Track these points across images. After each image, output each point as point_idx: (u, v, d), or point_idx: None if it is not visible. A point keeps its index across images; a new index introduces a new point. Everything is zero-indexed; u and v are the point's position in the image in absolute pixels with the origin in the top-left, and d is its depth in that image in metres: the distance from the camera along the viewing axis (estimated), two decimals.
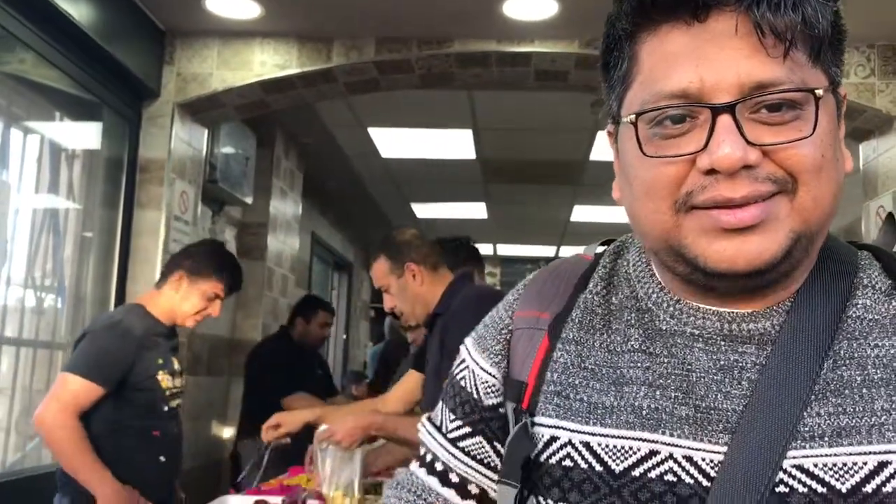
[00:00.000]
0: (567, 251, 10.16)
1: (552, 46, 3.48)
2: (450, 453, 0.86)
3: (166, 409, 2.68)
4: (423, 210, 7.87)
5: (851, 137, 3.57)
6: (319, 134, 5.38)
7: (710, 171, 0.66)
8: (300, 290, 5.94)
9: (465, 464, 0.85)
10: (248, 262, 4.81)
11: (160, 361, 2.66)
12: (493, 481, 0.83)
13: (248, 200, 4.62)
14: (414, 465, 0.91)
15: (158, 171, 3.49)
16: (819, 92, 0.66)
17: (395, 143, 5.60)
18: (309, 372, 4.39)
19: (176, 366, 2.76)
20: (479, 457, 0.85)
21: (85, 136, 3.48)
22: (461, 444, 0.85)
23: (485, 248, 10.24)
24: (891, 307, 0.71)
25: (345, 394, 7.75)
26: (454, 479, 0.86)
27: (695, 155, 0.66)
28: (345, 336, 8.77)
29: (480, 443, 0.85)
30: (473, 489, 0.86)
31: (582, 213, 7.69)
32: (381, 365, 5.98)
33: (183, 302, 2.67)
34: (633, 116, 0.69)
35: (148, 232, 3.45)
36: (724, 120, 0.65)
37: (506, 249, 10.33)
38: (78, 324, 3.30)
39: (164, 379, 2.66)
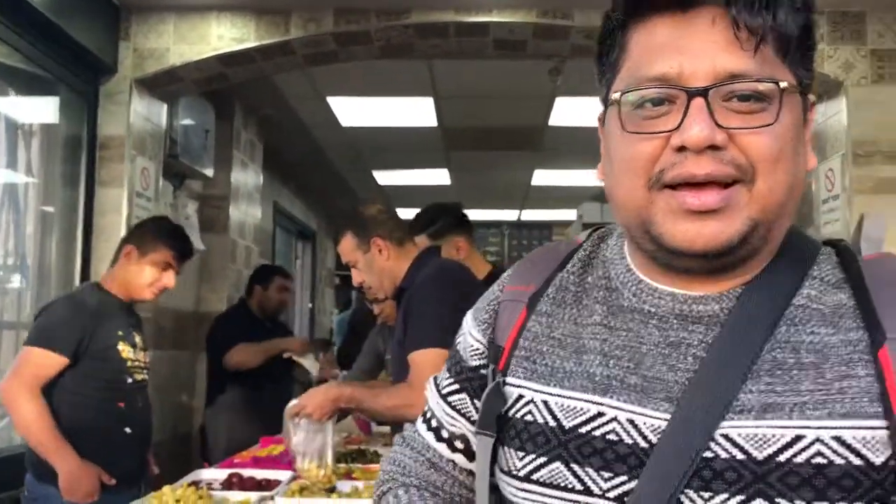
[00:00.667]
0: (529, 214, 10.26)
1: (510, 16, 3.51)
2: (441, 408, 0.98)
3: (130, 381, 2.73)
4: (385, 177, 7.88)
5: None
6: (279, 105, 5.36)
7: (681, 149, 0.73)
8: (264, 261, 5.95)
9: (452, 417, 0.97)
10: (211, 235, 4.82)
11: (119, 333, 2.71)
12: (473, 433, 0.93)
13: (209, 173, 4.61)
14: (419, 422, 1.02)
15: (119, 148, 3.47)
16: (783, 84, 0.74)
17: (355, 111, 5.60)
18: (265, 338, 4.38)
19: (137, 340, 2.80)
20: (462, 410, 0.96)
21: (42, 113, 3.44)
22: (450, 399, 0.97)
23: None
24: (834, 298, 0.78)
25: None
26: (445, 434, 0.98)
27: (669, 133, 0.74)
28: (310, 304, 8.80)
29: (464, 399, 0.96)
30: (459, 444, 0.97)
31: (542, 178, 7.77)
32: (349, 332, 6.02)
33: (137, 275, 2.73)
34: (617, 94, 0.77)
35: (110, 210, 3.44)
36: (698, 102, 0.73)
37: (469, 214, 10.38)
38: (43, 303, 3.30)
39: (124, 349, 2.71)
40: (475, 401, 0.94)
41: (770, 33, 0.74)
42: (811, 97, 0.80)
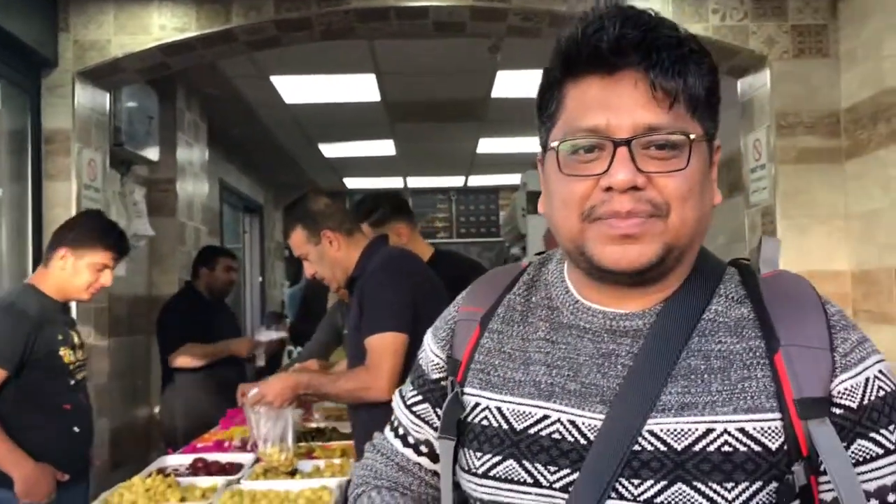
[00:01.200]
0: (475, 180, 10.38)
1: (448, 0, 3.59)
2: (407, 417, 1.11)
3: (73, 382, 2.73)
4: (331, 150, 7.92)
5: (730, 74, 3.83)
6: (221, 85, 5.36)
7: (608, 189, 0.87)
8: (213, 240, 5.98)
9: (417, 425, 1.09)
10: (159, 218, 4.84)
11: (60, 337, 2.69)
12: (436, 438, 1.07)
13: (155, 157, 4.62)
14: (387, 430, 1.15)
15: (64, 142, 3.48)
16: (692, 136, 0.89)
17: (298, 89, 5.63)
18: (219, 322, 4.45)
19: (76, 339, 2.79)
20: (425, 418, 1.09)
21: None
22: (414, 409, 1.10)
23: (395, 182, 10.35)
24: (737, 312, 0.94)
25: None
26: (411, 440, 1.11)
27: (599, 176, 0.88)
28: (260, 278, 8.83)
29: (427, 408, 1.09)
30: (424, 448, 1.10)
31: (488, 146, 7.88)
32: (302, 307, 6.10)
33: (73, 278, 2.68)
34: (556, 143, 0.91)
35: (60, 203, 3.46)
36: (622, 151, 0.87)
37: (416, 182, 10.47)
38: None
39: (66, 354, 2.70)
40: (437, 409, 1.07)
41: (682, 94, 0.88)
42: (716, 142, 0.95)
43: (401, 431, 1.13)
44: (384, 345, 2.32)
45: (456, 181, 10.52)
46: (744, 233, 3.88)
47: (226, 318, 4.63)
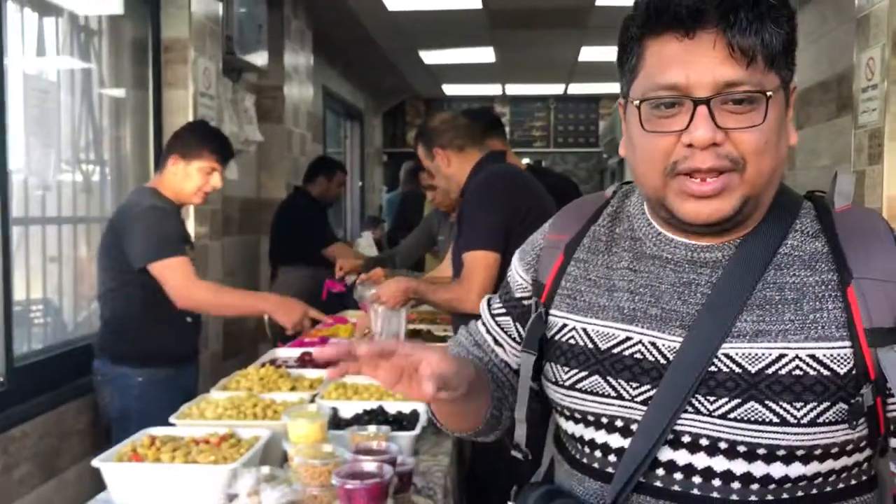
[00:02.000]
0: (575, 88, 10.22)
1: None
2: (491, 321, 1.25)
3: None
4: (431, 57, 7.94)
5: None
6: None
7: (689, 146, 0.94)
8: (317, 146, 6.19)
9: (496, 330, 1.24)
10: (268, 125, 5.05)
11: (185, 235, 2.99)
12: (515, 350, 1.21)
13: (263, 65, 4.77)
14: (479, 324, 1.29)
15: (181, 51, 3.66)
16: (769, 93, 0.94)
17: None
18: (328, 224, 4.86)
19: (191, 238, 3.09)
20: (505, 328, 1.22)
21: (108, 16, 3.61)
22: (498, 318, 1.24)
23: (493, 89, 10.30)
24: (811, 247, 1.01)
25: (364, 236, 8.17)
26: (493, 332, 1.24)
27: (680, 133, 0.95)
28: (360, 182, 9.06)
29: (509, 321, 1.22)
30: (500, 341, 1.24)
31: (590, 54, 7.74)
32: (399, 215, 6.28)
33: (185, 182, 2.88)
34: (637, 102, 0.98)
35: (177, 110, 3.67)
36: (702, 109, 0.93)
37: (514, 89, 10.39)
38: (121, 199, 3.59)
39: (187, 249, 2.96)
40: (517, 323, 1.21)
41: (759, 51, 0.93)
42: (792, 85, 1.00)
43: (483, 327, 1.27)
44: (476, 261, 2.48)
45: (555, 89, 10.38)
46: (849, 154, 3.77)
47: (330, 226, 4.96)
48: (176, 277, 2.77)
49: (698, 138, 0.92)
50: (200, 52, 3.78)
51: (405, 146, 10.55)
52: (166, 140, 3.59)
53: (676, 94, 0.94)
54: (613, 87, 8.97)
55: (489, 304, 1.28)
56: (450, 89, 10.20)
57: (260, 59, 4.64)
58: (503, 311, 1.24)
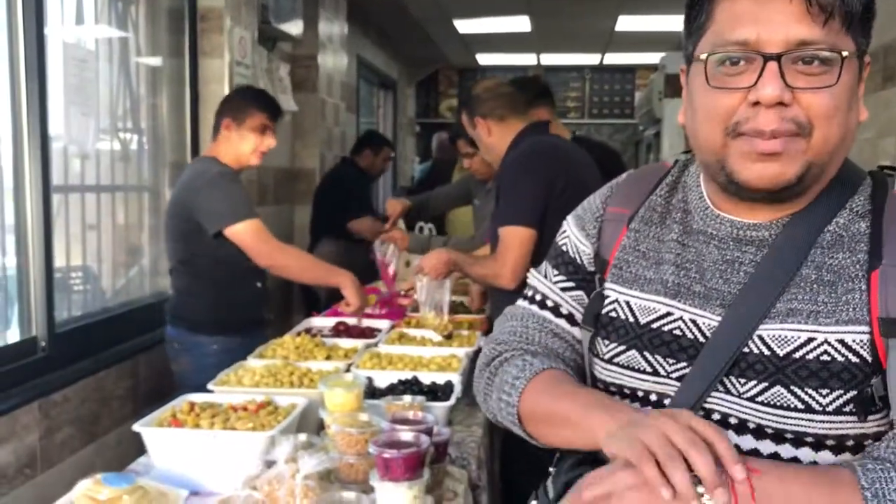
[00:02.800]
0: (611, 58, 10.07)
1: None
2: (558, 295, 1.17)
3: None
4: (465, 25, 7.86)
5: None
6: None
7: (755, 104, 0.90)
8: (350, 115, 6.18)
9: (570, 305, 1.16)
10: (302, 94, 5.04)
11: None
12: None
13: (298, 34, 4.76)
14: (524, 303, 1.22)
15: (217, 20, 3.66)
16: (845, 53, 0.89)
17: None
18: (369, 198, 4.95)
19: None
20: (581, 301, 1.15)
21: None
22: (566, 293, 1.16)
23: (528, 59, 10.19)
24: (856, 227, 0.96)
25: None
26: (564, 311, 1.17)
27: (746, 90, 0.91)
28: (393, 153, 9.03)
29: (581, 295, 1.15)
30: (577, 317, 1.16)
31: (627, 23, 7.61)
32: (427, 182, 6.23)
33: (240, 144, 2.94)
34: (705, 55, 0.94)
35: (214, 79, 3.69)
36: (772, 66, 0.89)
37: (549, 59, 10.26)
38: (159, 167, 3.63)
39: None
40: (589, 295, 1.14)
41: (838, 9, 0.88)
42: (867, 58, 0.95)
43: (549, 304, 1.18)
44: (511, 237, 2.45)
45: (591, 59, 10.23)
46: (894, 127, 3.69)
47: (372, 199, 5.05)
48: (257, 239, 2.83)
49: (766, 96, 0.88)
50: (236, 21, 3.78)
51: (438, 116, 10.50)
52: (202, 109, 3.64)
53: (746, 51, 0.90)
54: (650, 58, 8.84)
55: (544, 276, 1.19)
56: (484, 59, 10.11)
57: (295, 27, 4.63)
58: (572, 284, 1.16)
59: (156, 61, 3.63)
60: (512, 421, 1.10)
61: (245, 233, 2.81)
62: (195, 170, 2.93)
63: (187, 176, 2.93)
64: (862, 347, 0.91)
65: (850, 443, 0.92)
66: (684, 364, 0.99)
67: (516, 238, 2.44)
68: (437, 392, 2.09)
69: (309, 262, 3.03)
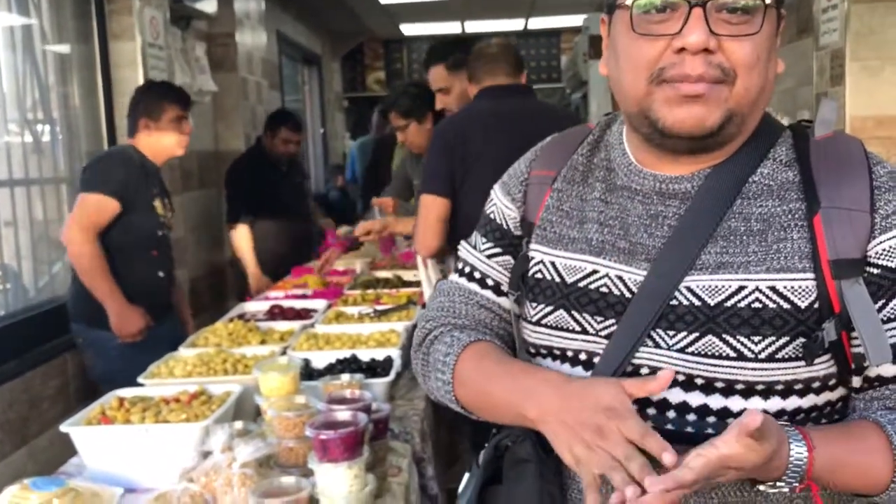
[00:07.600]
0: (535, 23, 10.07)
1: None
2: (485, 264, 1.15)
3: (160, 233, 3.05)
4: None
5: None
6: None
7: (680, 51, 0.90)
8: (274, 93, 6.05)
9: (498, 272, 1.14)
10: (221, 74, 4.90)
11: (155, 190, 3.02)
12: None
13: (213, 12, 4.62)
14: (454, 277, 1.21)
15: (126, 1, 3.52)
16: (768, 1, 0.90)
17: None
18: (280, 180, 4.47)
19: (166, 201, 3.11)
20: (507, 267, 1.14)
21: None
22: (495, 259, 1.15)
23: (452, 27, 10.11)
24: (783, 176, 0.97)
25: (330, 187, 8.02)
26: (490, 282, 1.16)
27: (671, 37, 0.90)
28: (322, 130, 8.91)
29: (508, 259, 1.14)
30: (504, 288, 1.15)
31: None
32: (372, 160, 5.99)
33: (162, 139, 3.00)
34: (630, 1, 0.92)
35: (126, 63, 3.55)
36: (697, 12, 0.89)
37: (473, 26, 10.21)
38: (75, 159, 3.50)
39: (158, 205, 3.02)
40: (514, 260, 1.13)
41: None
42: (783, 12, 0.96)
43: (477, 276, 1.16)
44: (425, 205, 2.53)
45: (515, 24, 10.22)
46: (811, 76, 3.77)
47: (291, 180, 4.60)
48: (77, 215, 2.79)
49: (692, 42, 0.88)
50: (146, 2, 3.64)
51: (366, 90, 10.36)
52: (116, 95, 3.52)
53: None
54: (574, 20, 8.86)
55: (473, 246, 1.18)
56: (408, 29, 10.00)
57: (209, 5, 4.49)
58: (499, 250, 1.15)
59: (63, 48, 3.48)
60: (450, 399, 1.10)
61: (79, 206, 2.80)
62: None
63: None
64: (795, 294, 0.92)
65: (781, 388, 0.93)
66: (612, 321, 0.99)
67: (429, 206, 2.52)
68: (376, 369, 2.07)
69: (93, 269, 2.81)
